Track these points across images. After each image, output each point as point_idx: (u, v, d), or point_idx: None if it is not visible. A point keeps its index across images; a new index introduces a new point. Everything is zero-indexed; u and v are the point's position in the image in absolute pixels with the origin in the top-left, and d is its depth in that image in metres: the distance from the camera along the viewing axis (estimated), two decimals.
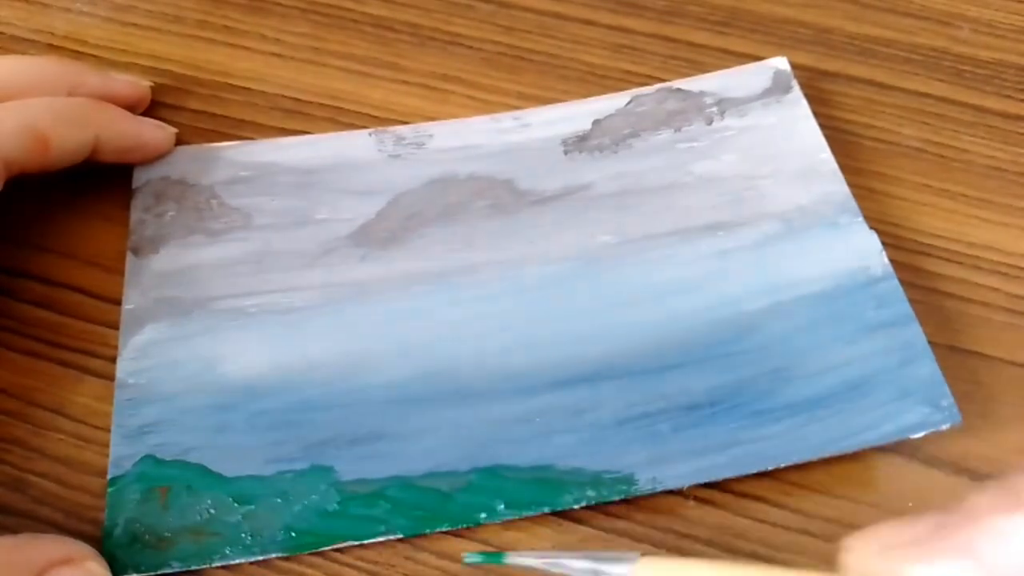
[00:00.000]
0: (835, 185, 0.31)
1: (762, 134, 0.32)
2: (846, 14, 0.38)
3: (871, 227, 0.30)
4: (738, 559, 0.22)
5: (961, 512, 0.17)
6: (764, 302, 0.28)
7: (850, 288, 0.28)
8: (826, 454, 0.25)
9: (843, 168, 0.32)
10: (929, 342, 0.29)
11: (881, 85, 0.36)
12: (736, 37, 0.37)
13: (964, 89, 0.35)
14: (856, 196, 0.32)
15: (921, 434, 0.26)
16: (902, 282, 0.30)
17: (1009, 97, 0.35)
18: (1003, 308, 0.30)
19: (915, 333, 0.27)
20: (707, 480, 0.25)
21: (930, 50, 0.37)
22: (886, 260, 0.29)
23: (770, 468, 0.25)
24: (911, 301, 0.29)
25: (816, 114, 0.33)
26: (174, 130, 0.32)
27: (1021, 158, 0.33)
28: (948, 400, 0.26)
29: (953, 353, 0.29)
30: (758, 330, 0.28)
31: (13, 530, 0.24)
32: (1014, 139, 0.34)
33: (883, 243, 0.31)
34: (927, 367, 0.27)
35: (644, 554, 0.21)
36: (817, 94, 0.35)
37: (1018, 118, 0.35)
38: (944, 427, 0.26)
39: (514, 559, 0.22)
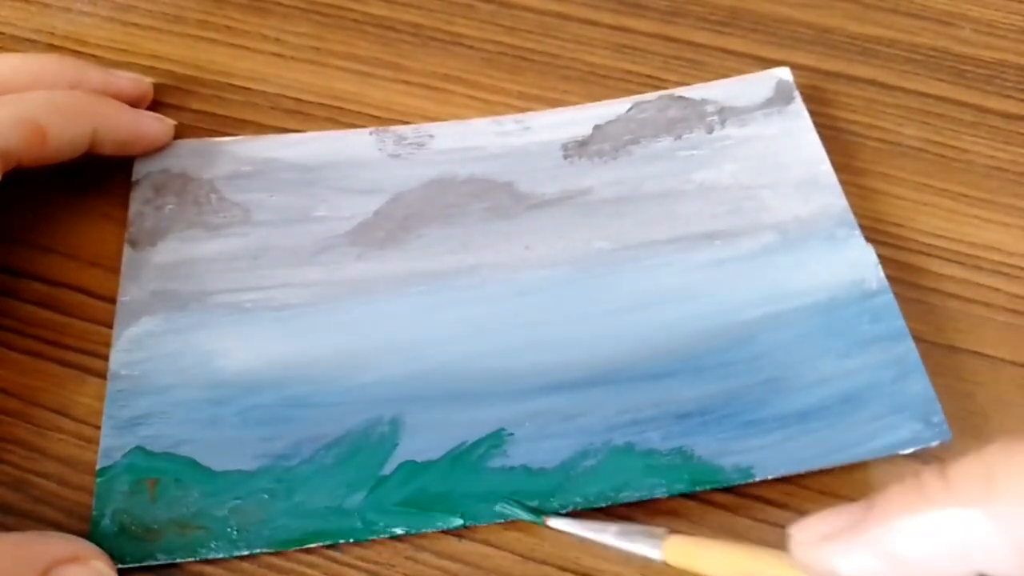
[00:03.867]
0: (834, 198, 0.31)
1: (763, 144, 0.32)
2: (847, 14, 0.38)
3: (872, 227, 0.30)
4: (757, 545, 0.22)
5: (878, 505, 0.18)
6: (759, 312, 0.28)
7: (845, 301, 0.28)
8: (814, 468, 0.25)
9: (844, 168, 0.32)
10: (930, 342, 0.29)
11: (882, 85, 0.36)
12: (737, 37, 0.37)
13: (965, 89, 0.35)
14: (857, 196, 0.32)
15: (911, 450, 0.25)
16: (903, 282, 0.30)
17: (1010, 97, 0.35)
18: (1004, 308, 0.30)
19: (908, 348, 0.27)
20: (694, 491, 0.25)
21: (931, 50, 0.37)
22: (882, 274, 0.29)
23: (757, 480, 0.25)
24: (912, 301, 0.29)
25: (817, 114, 0.33)
26: (173, 122, 0.32)
27: (1022, 158, 0.33)
28: (939, 417, 0.26)
29: (954, 353, 0.29)
30: (752, 340, 0.28)
31: (15, 530, 0.24)
32: (1015, 139, 0.34)
33: (884, 243, 0.31)
34: (919, 383, 0.27)
35: (672, 531, 0.22)
36: (818, 94, 0.35)
37: (1019, 118, 0.35)
38: (934, 444, 0.25)
39: (554, 522, 0.24)
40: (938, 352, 0.29)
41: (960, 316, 0.30)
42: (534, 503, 0.25)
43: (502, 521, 0.25)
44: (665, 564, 0.23)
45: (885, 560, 0.18)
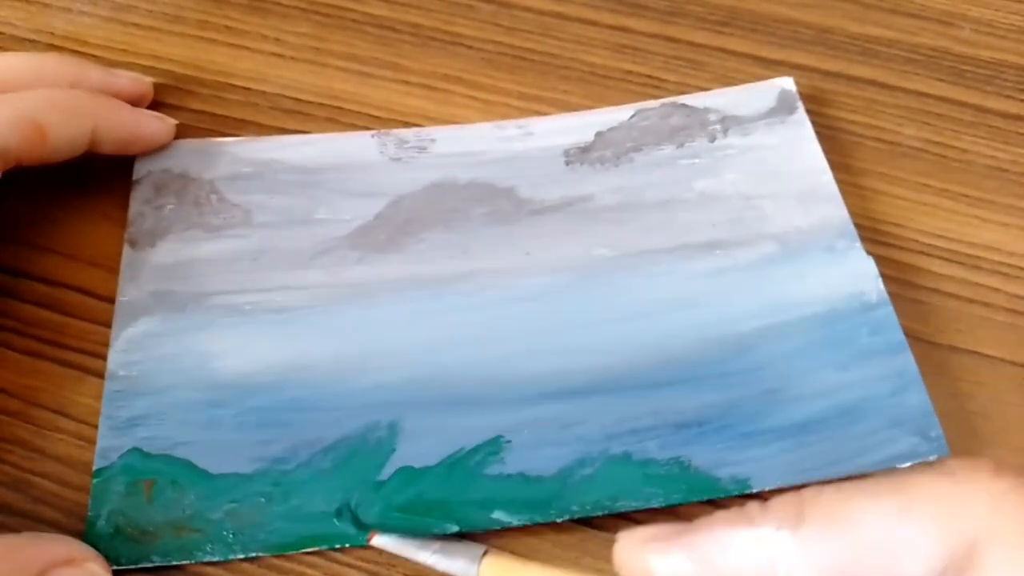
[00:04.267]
0: (834, 209, 0.31)
1: (764, 154, 0.32)
2: (847, 14, 0.38)
3: (871, 227, 0.30)
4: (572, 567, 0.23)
5: (701, 521, 0.20)
6: (758, 323, 0.28)
7: (845, 313, 0.28)
8: (811, 480, 0.25)
9: (843, 168, 0.32)
10: (929, 342, 0.29)
11: (882, 85, 0.36)
12: (737, 37, 0.37)
13: (965, 89, 0.35)
14: (857, 196, 0.32)
15: (907, 464, 0.25)
16: (902, 282, 0.30)
17: (1010, 97, 0.35)
18: (1004, 308, 0.30)
19: (907, 362, 0.27)
20: (691, 501, 0.25)
21: (931, 50, 0.37)
22: (882, 287, 0.29)
23: (754, 491, 0.25)
24: (911, 301, 0.29)
25: (816, 114, 0.33)
26: (173, 121, 0.32)
27: (1022, 158, 0.33)
28: (937, 431, 0.26)
29: (953, 353, 0.29)
30: (751, 351, 0.28)
31: (14, 530, 0.24)
32: (1015, 139, 0.34)
33: (883, 243, 0.31)
34: (918, 397, 0.26)
35: (487, 552, 0.23)
36: (818, 94, 0.35)
37: (1019, 118, 0.35)
38: (931, 458, 0.25)
39: (377, 540, 0.24)
40: (938, 352, 0.29)
41: (959, 316, 0.30)
42: (524, 513, 0.25)
43: (500, 528, 0.25)
44: None
45: (698, 565, 0.19)
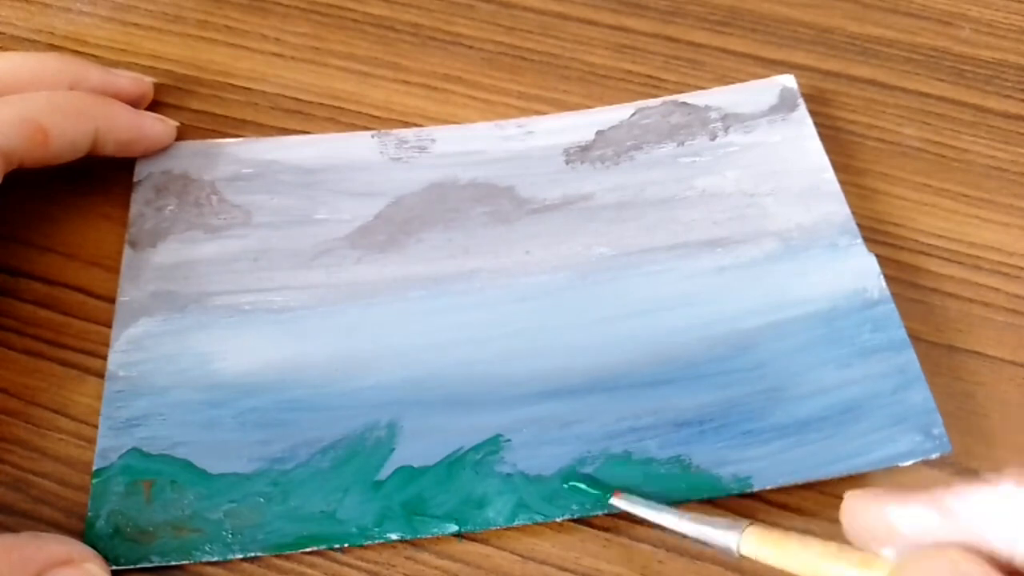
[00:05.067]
0: (836, 206, 0.31)
1: (766, 151, 0.32)
2: (847, 14, 0.38)
3: (871, 227, 0.30)
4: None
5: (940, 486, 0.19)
6: (760, 321, 0.28)
7: (847, 310, 0.28)
8: (813, 478, 0.25)
9: (844, 168, 0.32)
10: (930, 342, 0.29)
11: (882, 85, 0.36)
12: (737, 37, 0.37)
13: (965, 89, 0.35)
14: (857, 196, 0.32)
15: (910, 462, 0.25)
16: (903, 282, 0.30)
17: (1010, 97, 0.35)
18: (1004, 308, 0.30)
19: (910, 359, 0.27)
20: (692, 500, 0.25)
21: (931, 50, 0.37)
22: (883, 284, 0.29)
23: (755, 490, 0.25)
24: (912, 301, 0.29)
25: (817, 114, 0.33)
26: (175, 123, 0.32)
27: (1022, 158, 0.33)
28: (939, 429, 0.26)
29: (954, 353, 0.29)
30: (753, 349, 0.28)
31: (14, 530, 0.24)
32: (1015, 139, 0.34)
33: (884, 243, 0.31)
34: (920, 394, 0.26)
35: (751, 524, 0.21)
36: (818, 94, 0.35)
37: (1019, 118, 0.35)
38: (934, 456, 0.25)
39: (618, 502, 0.24)
40: (938, 352, 0.29)
41: (960, 316, 0.30)
42: (524, 512, 0.25)
43: (499, 527, 0.25)
44: (740, 557, 0.22)
45: (942, 516, 0.18)
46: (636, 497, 0.24)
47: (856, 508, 0.20)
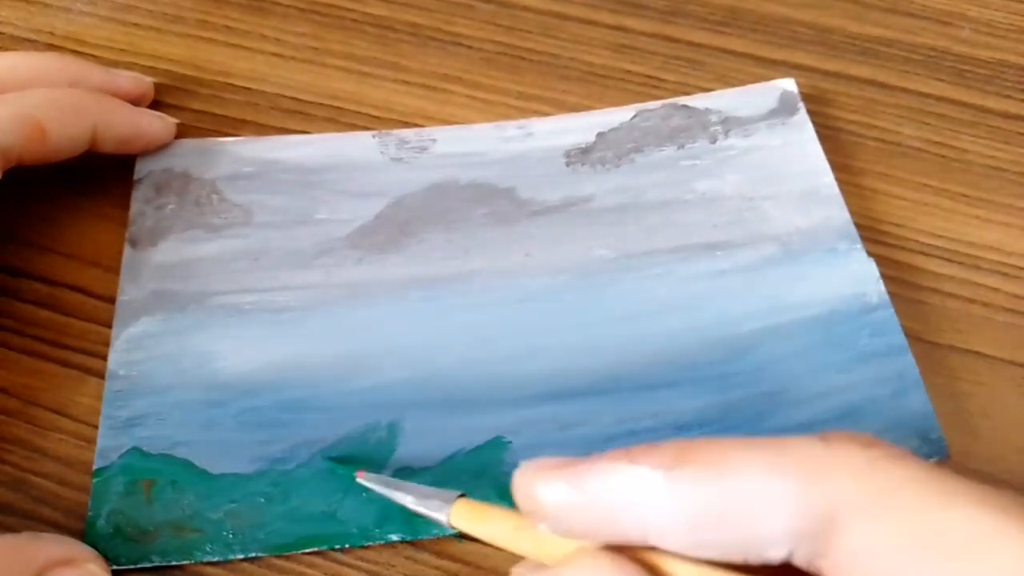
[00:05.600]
0: (836, 210, 0.31)
1: (766, 155, 0.32)
2: (847, 14, 0.38)
3: (871, 227, 0.30)
4: None
5: (596, 455, 0.20)
6: (759, 324, 0.28)
7: (846, 315, 0.28)
8: None
9: (843, 168, 0.32)
10: (929, 342, 0.29)
11: (882, 85, 0.36)
12: (736, 37, 0.37)
13: (965, 89, 0.35)
14: (856, 196, 0.32)
15: None
16: (902, 282, 0.30)
17: (1009, 97, 0.35)
18: (1004, 308, 0.30)
19: (908, 364, 0.27)
20: None
21: (931, 50, 0.37)
22: (883, 288, 0.29)
23: None
24: (911, 301, 0.29)
25: (816, 114, 0.33)
26: (174, 120, 0.32)
27: (1021, 158, 0.33)
28: (937, 433, 0.26)
29: (954, 353, 0.29)
30: (752, 352, 0.28)
31: (14, 530, 0.24)
32: (1014, 139, 0.34)
33: (883, 243, 0.31)
34: (918, 399, 0.26)
35: (461, 495, 0.22)
36: (818, 94, 0.35)
37: (1018, 118, 0.35)
38: (931, 460, 0.25)
39: (362, 479, 0.24)
40: (938, 352, 0.29)
41: (960, 316, 0.30)
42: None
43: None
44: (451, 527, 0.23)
45: (578, 495, 0.19)
46: (377, 476, 0.24)
47: (518, 480, 0.20)
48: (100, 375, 0.27)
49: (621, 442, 0.26)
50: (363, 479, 0.24)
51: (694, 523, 0.18)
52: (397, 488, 0.24)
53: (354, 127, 0.34)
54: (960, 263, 0.31)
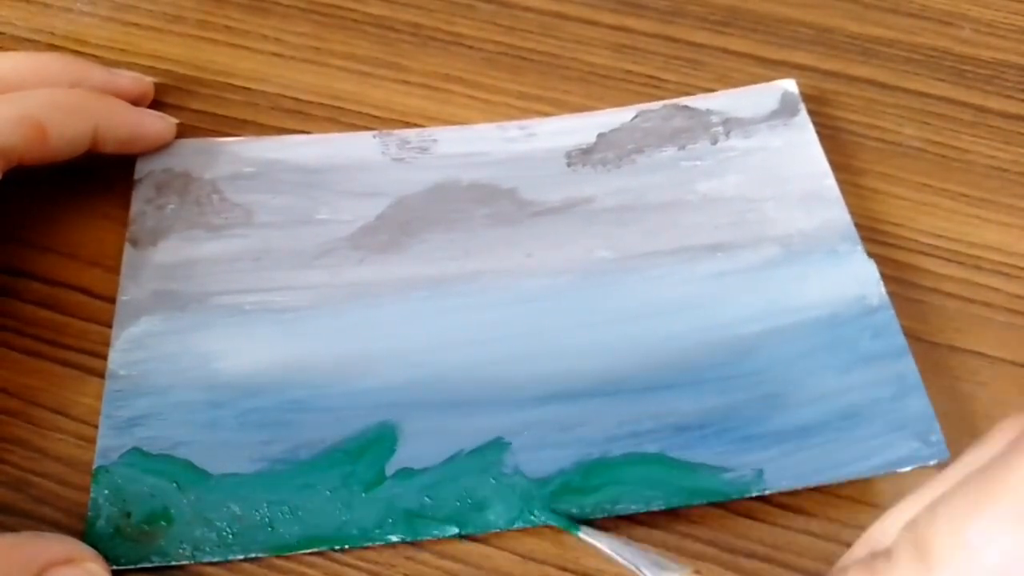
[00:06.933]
0: (837, 212, 0.30)
1: (767, 156, 0.32)
2: (847, 14, 0.38)
3: (871, 227, 0.30)
4: None
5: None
6: (760, 326, 0.28)
7: (847, 317, 0.28)
8: (812, 483, 0.25)
9: (844, 168, 0.32)
10: (930, 342, 0.29)
11: (882, 85, 0.36)
12: (737, 37, 0.37)
13: (965, 89, 0.35)
14: (857, 196, 0.32)
15: (908, 468, 0.25)
16: (903, 282, 0.30)
17: (1010, 97, 0.35)
18: (1004, 308, 0.30)
19: (908, 366, 0.27)
20: (693, 504, 0.25)
21: (931, 50, 0.37)
22: (883, 291, 0.29)
23: (754, 495, 0.25)
24: (911, 301, 0.29)
25: (817, 114, 0.33)
26: (175, 120, 0.32)
27: (1022, 158, 0.33)
28: (937, 436, 0.26)
29: (954, 353, 0.29)
30: (752, 354, 0.28)
31: (14, 530, 0.24)
32: (1015, 139, 0.34)
33: (884, 243, 0.31)
34: (919, 401, 0.26)
35: (696, 572, 0.22)
36: (818, 94, 0.35)
37: (1019, 118, 0.35)
38: (932, 463, 0.25)
39: (585, 536, 0.24)
40: (938, 352, 0.29)
41: (960, 316, 0.30)
42: (524, 515, 0.25)
43: (499, 530, 0.25)
44: None
45: None
46: (604, 534, 0.24)
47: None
48: (100, 375, 0.27)
49: (622, 443, 0.26)
50: (586, 535, 0.24)
51: None
52: (625, 546, 0.24)
53: (355, 127, 0.34)
54: (961, 263, 0.31)
